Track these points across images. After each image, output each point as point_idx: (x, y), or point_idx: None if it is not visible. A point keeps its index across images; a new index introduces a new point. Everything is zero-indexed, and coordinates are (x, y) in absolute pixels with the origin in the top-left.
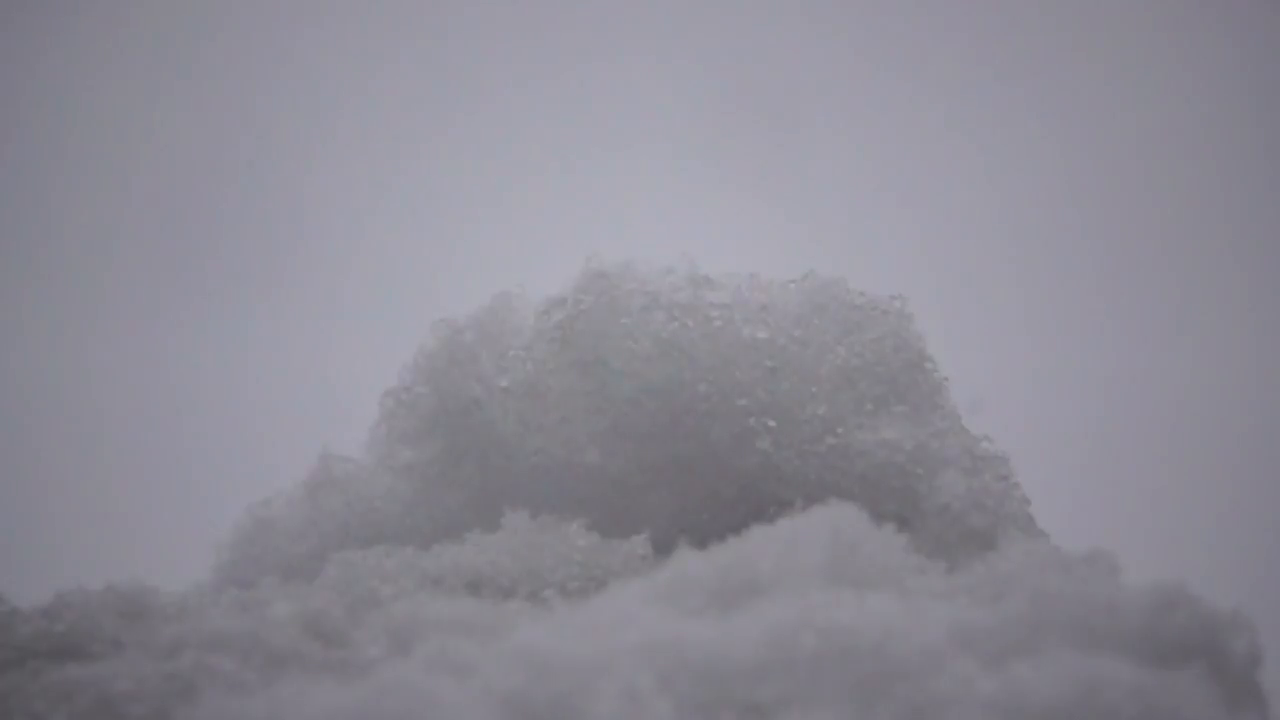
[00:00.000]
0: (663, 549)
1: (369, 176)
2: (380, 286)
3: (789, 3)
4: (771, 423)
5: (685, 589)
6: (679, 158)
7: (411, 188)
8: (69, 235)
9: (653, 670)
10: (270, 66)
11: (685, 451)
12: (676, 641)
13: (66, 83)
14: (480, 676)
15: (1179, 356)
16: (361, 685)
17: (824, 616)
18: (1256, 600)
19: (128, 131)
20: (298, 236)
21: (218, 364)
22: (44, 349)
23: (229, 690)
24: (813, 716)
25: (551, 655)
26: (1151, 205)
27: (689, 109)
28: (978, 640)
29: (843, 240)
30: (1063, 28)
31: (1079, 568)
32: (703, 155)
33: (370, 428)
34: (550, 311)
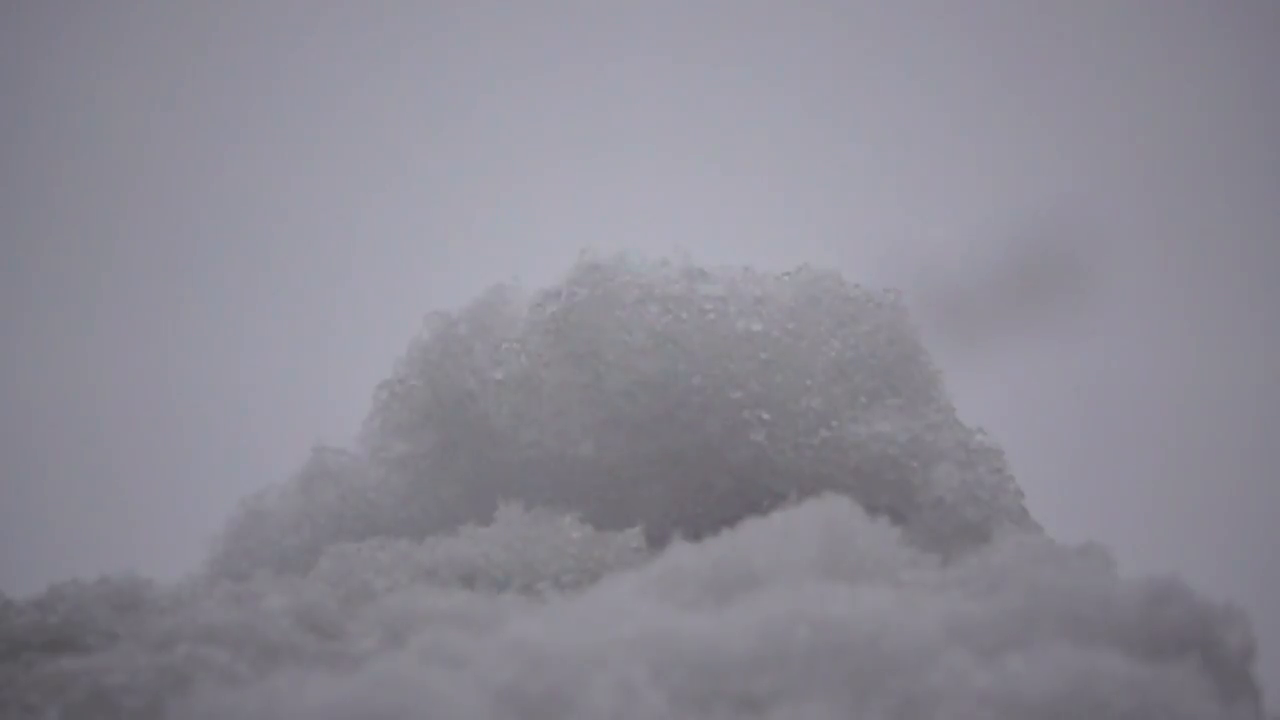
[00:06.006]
0: (656, 542)
1: (363, 170)
2: (374, 279)
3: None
4: (765, 415)
5: (679, 582)
6: (674, 151)
7: (405, 181)
8: (63, 227)
9: (646, 663)
10: (266, 64)
11: (679, 444)
12: (670, 634)
13: (66, 83)
14: (474, 669)
15: (1173, 350)
16: (355, 677)
17: (818, 609)
18: (1251, 593)
19: (126, 126)
20: (292, 229)
21: (211, 357)
22: (38, 342)
23: (222, 682)
24: (807, 709)
25: (545, 648)
26: (1150, 201)
27: (685, 103)
28: (972, 633)
29: (838, 234)
30: (1064, 24)
31: (1073, 561)
32: (698, 149)
33: (364, 420)
34: (544, 304)
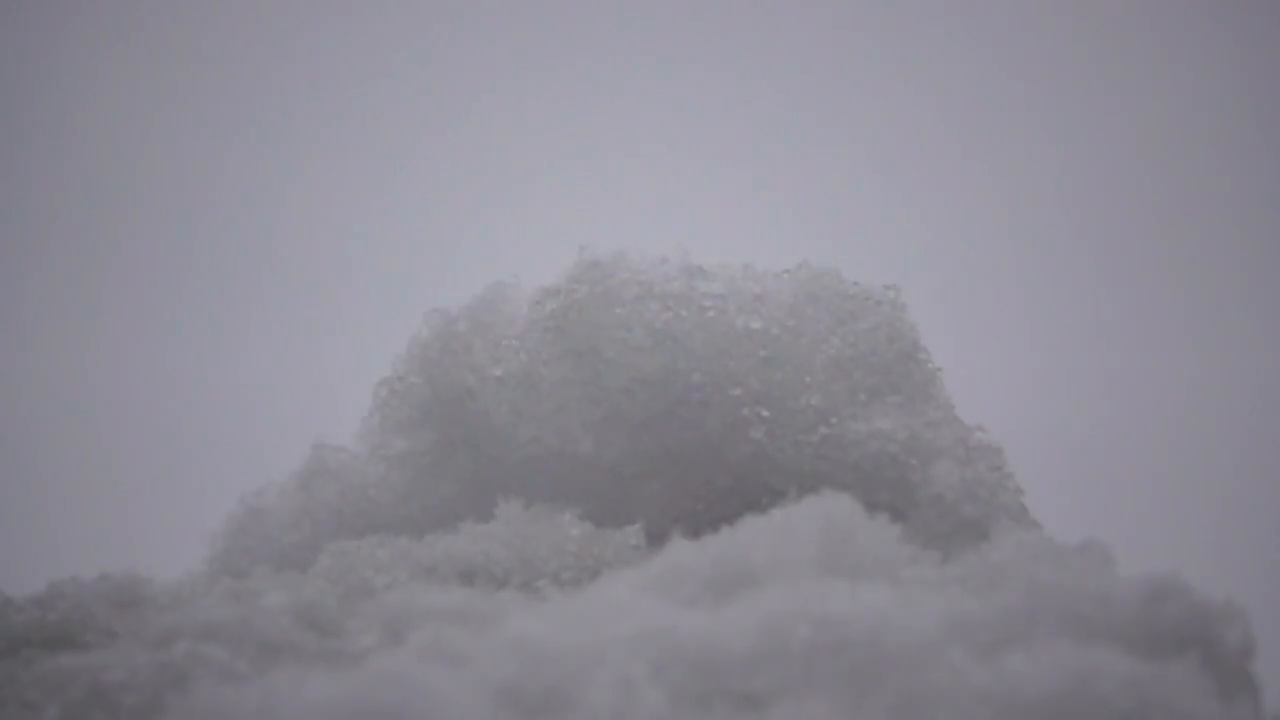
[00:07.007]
0: (656, 539)
1: (363, 169)
2: (374, 276)
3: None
4: (765, 413)
5: (678, 579)
6: (674, 151)
7: (405, 180)
8: (63, 227)
9: (646, 660)
10: (267, 64)
11: (679, 441)
12: (670, 631)
13: (66, 86)
14: (474, 666)
15: (1172, 348)
16: (355, 675)
17: (817, 607)
18: (1250, 592)
19: (126, 126)
20: (292, 229)
21: (211, 354)
22: (39, 341)
23: (222, 680)
24: (806, 707)
25: (545, 645)
26: (1150, 200)
27: (684, 103)
28: (971, 631)
29: (837, 231)
30: (1066, 23)
31: (1072, 558)
32: (697, 149)
33: (363, 417)
34: (544, 301)
